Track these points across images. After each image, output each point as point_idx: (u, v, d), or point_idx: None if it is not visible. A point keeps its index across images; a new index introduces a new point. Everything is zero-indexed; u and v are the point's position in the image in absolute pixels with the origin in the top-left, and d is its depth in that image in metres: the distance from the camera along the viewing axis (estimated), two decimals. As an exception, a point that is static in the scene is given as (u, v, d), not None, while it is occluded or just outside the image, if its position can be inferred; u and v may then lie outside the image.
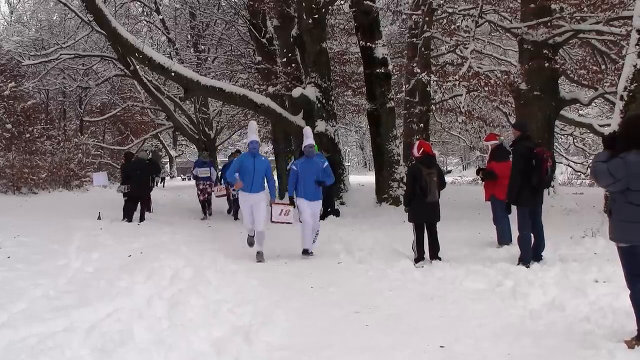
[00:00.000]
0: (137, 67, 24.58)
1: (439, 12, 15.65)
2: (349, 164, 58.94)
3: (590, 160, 30.84)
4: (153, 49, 25.62)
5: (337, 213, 15.44)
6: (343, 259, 9.74)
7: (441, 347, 5.35)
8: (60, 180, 26.05)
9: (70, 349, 4.89)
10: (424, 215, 9.35)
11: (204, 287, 7.34)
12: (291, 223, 10.47)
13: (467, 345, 5.35)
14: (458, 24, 15.49)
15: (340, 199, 17.22)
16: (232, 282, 8.02)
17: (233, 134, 39.89)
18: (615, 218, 5.23)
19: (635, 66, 9.86)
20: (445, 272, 8.45)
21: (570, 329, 5.79)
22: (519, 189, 8.67)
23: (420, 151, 9.37)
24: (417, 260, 9.26)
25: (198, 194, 17.54)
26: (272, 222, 10.38)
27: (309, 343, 5.50)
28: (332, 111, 18.00)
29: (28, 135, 25.72)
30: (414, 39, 17.01)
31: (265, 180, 10.24)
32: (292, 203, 10.45)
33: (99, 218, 15.00)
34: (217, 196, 17.37)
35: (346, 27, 22.47)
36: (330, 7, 18.09)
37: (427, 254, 9.37)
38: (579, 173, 31.08)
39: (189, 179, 37.36)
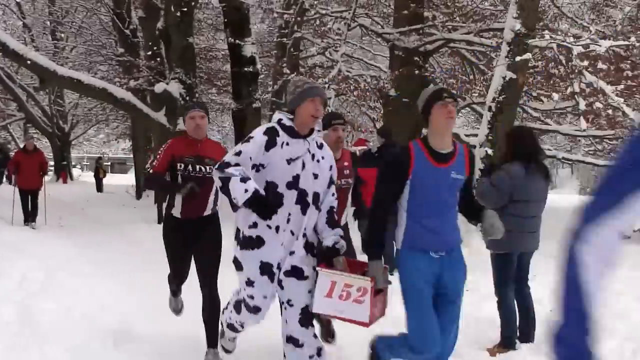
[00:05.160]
0: (-13, 52, 22.86)
1: (311, 12, 15.60)
2: (212, 164, 58.14)
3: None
4: (7, 33, 23.90)
5: None
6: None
7: None
8: None
9: None
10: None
11: (57, 290, 6.77)
12: None
13: None
14: (329, 26, 15.54)
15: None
16: (87, 285, 7.44)
17: (89, 128, 38.18)
18: None
19: (504, 78, 10.18)
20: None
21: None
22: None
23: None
24: None
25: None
26: None
27: (174, 347, 5.20)
28: (196, 109, 17.50)
29: None
30: (284, 39, 16.89)
31: None
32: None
33: None
34: None
35: (214, 22, 22.05)
36: (198, 1, 17.62)
37: None
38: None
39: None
